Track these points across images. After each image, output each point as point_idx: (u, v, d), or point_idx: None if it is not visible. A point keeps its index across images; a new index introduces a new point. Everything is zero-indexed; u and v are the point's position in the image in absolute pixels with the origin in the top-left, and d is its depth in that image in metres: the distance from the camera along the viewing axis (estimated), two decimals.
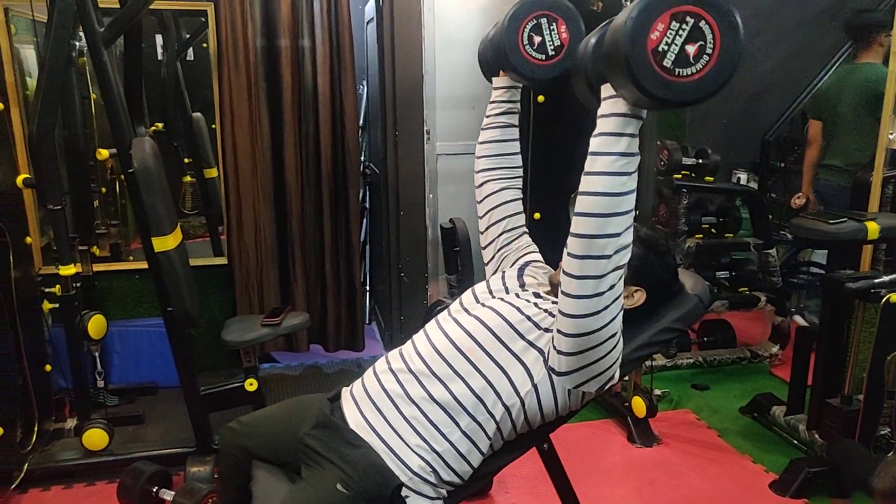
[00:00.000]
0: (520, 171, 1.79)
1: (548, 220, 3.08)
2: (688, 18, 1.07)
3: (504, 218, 1.77)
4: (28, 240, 2.69)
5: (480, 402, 1.43)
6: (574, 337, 1.33)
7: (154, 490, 2.34)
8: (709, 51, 1.09)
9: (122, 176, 3.30)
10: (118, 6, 2.38)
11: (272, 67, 3.11)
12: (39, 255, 3.01)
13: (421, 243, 3.40)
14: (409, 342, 1.58)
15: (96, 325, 2.58)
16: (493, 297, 1.60)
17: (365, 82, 4.15)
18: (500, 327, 1.47)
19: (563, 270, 1.31)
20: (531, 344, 1.45)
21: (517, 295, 1.59)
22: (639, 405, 2.82)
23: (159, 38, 3.30)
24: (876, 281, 2.43)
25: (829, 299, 2.64)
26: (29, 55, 3.08)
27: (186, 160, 3.50)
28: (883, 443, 2.46)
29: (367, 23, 3.88)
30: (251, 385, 2.55)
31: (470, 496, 1.56)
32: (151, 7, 2.26)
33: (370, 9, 3.69)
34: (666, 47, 1.07)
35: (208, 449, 2.54)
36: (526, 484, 2.55)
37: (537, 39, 1.61)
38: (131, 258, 3.35)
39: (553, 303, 1.53)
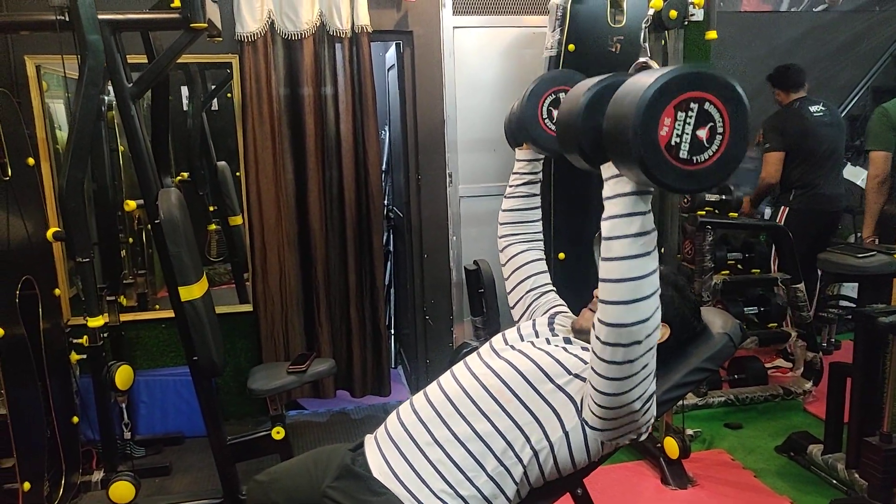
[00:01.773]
0: (541, 235, 1.86)
1: (572, 261, 3.06)
2: (692, 105, 1.04)
3: (529, 277, 1.82)
4: (57, 291, 2.72)
5: (508, 444, 1.41)
6: (607, 407, 1.33)
7: None
8: (720, 130, 1.06)
9: (149, 226, 3.38)
10: (146, 62, 2.45)
11: (295, 116, 3.17)
12: (68, 306, 3.04)
13: (445, 286, 3.40)
14: (434, 383, 1.58)
15: (123, 375, 2.57)
16: (524, 341, 1.60)
17: (387, 127, 4.21)
18: (530, 370, 1.46)
19: (593, 350, 1.29)
20: (560, 388, 1.44)
21: (547, 340, 1.59)
22: (671, 446, 2.75)
23: (185, 90, 3.39)
24: None
25: (862, 335, 2.59)
26: (59, 110, 3.16)
27: (212, 208, 3.55)
28: None
29: (389, 69, 3.96)
30: (278, 433, 2.52)
31: None
32: (178, 61, 2.31)
33: (391, 55, 3.76)
34: (678, 139, 1.04)
35: (235, 500, 2.51)
36: None
37: (556, 113, 1.67)
38: (157, 307, 3.37)
39: (583, 348, 1.52)
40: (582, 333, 1.59)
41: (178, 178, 3.41)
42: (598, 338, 1.26)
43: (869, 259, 2.43)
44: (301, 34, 3.06)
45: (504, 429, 1.42)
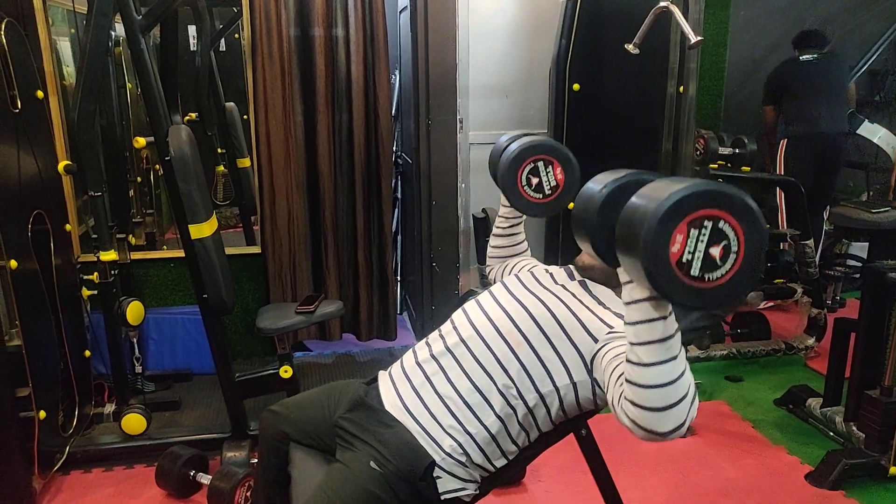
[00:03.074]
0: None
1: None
2: (706, 223, 1.01)
3: (521, 270, 1.83)
4: (68, 227, 2.73)
5: (515, 385, 1.43)
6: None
7: (191, 473, 2.38)
8: (734, 249, 1.03)
9: (157, 165, 3.37)
10: None
11: (306, 57, 3.12)
12: (77, 243, 3.06)
13: (453, 233, 3.39)
14: (448, 322, 1.59)
15: (134, 311, 2.61)
16: (540, 284, 1.59)
17: (397, 71, 4.15)
18: (544, 319, 1.46)
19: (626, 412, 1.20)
20: (573, 344, 1.43)
21: (565, 287, 1.57)
22: None
23: (192, 29, 3.33)
24: None
25: (869, 290, 2.59)
26: (64, 46, 3.12)
27: (220, 150, 3.53)
28: None
29: (401, 12, 3.88)
30: (286, 372, 2.56)
31: (503, 483, 1.55)
32: None
33: None
34: (690, 256, 1.02)
35: (244, 434, 2.57)
36: (560, 472, 2.54)
37: (535, 181, 1.73)
38: (165, 247, 3.39)
39: (600, 303, 1.51)
40: (586, 270, 1.60)
41: (187, 118, 3.37)
42: (629, 424, 1.19)
43: (883, 214, 2.42)
44: None
45: (512, 371, 1.43)
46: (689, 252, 1.01)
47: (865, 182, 4.38)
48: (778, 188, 3.77)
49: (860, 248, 4.07)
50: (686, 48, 2.56)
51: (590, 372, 1.41)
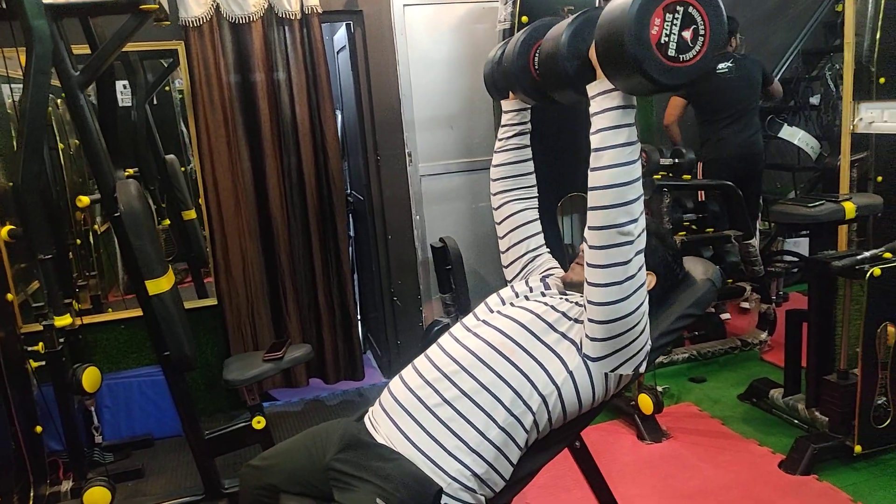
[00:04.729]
0: (535, 191, 1.83)
1: (543, 225, 3.09)
2: (678, 8, 1.17)
3: (526, 238, 1.81)
4: (9, 296, 2.59)
5: (516, 393, 1.43)
6: (606, 323, 1.38)
7: None
8: (702, 32, 1.19)
9: (96, 226, 3.25)
10: (88, 52, 2.35)
11: (249, 102, 3.09)
12: (18, 313, 2.89)
13: (411, 266, 3.39)
14: (434, 346, 1.58)
15: (91, 377, 2.47)
16: (519, 297, 1.62)
17: (339, 110, 4.16)
18: (532, 322, 1.50)
19: (588, 263, 1.36)
20: (563, 335, 1.48)
21: (542, 293, 1.61)
22: (646, 402, 2.84)
23: (120, 85, 3.26)
24: (858, 258, 2.51)
25: (815, 280, 2.71)
26: None
27: (162, 205, 3.44)
28: (881, 412, 2.52)
29: (338, 52, 3.90)
30: (259, 423, 2.48)
31: None
32: (122, 49, 2.22)
33: (340, 37, 3.71)
34: (667, 38, 1.17)
35: (218, 494, 2.47)
36: (544, 493, 2.53)
37: None
38: (110, 310, 3.25)
39: (581, 296, 1.55)
40: (572, 286, 1.62)
41: (126, 174, 3.28)
42: (591, 247, 1.33)
43: (819, 208, 2.56)
44: (249, 17, 2.99)
45: (510, 378, 1.44)
46: (666, 35, 1.17)
47: (792, 181, 4.63)
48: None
49: (794, 244, 4.30)
50: None
51: (580, 351, 1.44)
